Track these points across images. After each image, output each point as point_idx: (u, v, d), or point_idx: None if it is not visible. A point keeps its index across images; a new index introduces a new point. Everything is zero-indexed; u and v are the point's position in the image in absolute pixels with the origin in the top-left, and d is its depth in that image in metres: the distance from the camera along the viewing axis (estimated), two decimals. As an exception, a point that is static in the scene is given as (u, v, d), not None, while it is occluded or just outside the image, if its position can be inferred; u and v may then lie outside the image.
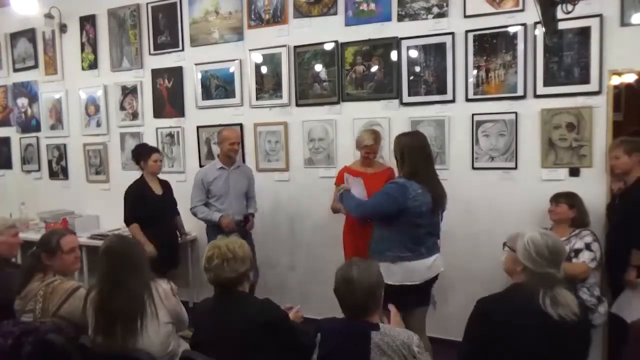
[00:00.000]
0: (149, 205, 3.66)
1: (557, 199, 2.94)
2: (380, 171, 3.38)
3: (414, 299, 2.66)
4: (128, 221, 3.66)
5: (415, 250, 2.61)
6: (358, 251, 3.08)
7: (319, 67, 3.83)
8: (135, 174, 4.77)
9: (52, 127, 5.14)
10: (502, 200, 3.34)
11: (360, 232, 3.25)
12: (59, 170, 5.13)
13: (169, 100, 4.48)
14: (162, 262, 3.43)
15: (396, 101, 3.61)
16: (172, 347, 2.06)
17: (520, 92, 3.26)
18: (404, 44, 3.55)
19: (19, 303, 2.22)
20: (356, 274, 1.78)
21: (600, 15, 3.03)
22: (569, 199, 2.91)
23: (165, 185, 3.89)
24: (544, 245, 1.72)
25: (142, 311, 1.96)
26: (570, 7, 2.08)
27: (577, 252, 2.78)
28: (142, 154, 3.77)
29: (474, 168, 3.43)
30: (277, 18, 3.97)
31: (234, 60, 4.14)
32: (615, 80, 3.22)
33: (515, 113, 3.28)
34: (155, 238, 3.58)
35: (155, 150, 3.86)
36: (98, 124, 4.85)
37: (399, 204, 2.54)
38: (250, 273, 2.04)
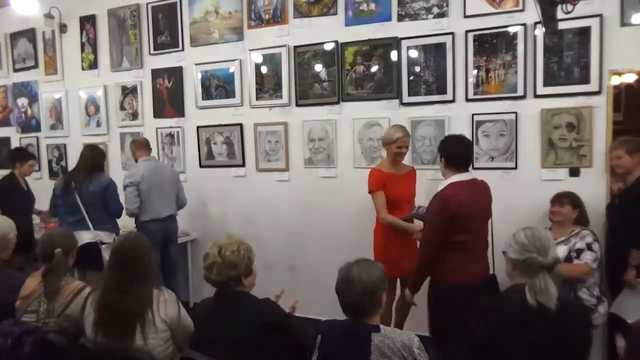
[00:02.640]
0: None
1: (560, 199, 2.92)
2: (408, 171, 3.31)
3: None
4: None
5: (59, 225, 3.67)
6: (397, 258, 3.07)
7: (319, 67, 3.83)
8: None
9: (52, 127, 5.14)
10: (502, 200, 3.32)
11: (399, 240, 3.13)
12: (59, 170, 5.12)
13: (169, 100, 4.48)
14: None
15: (396, 101, 3.61)
16: (172, 348, 2.06)
17: (520, 92, 3.25)
18: (404, 44, 3.55)
19: (20, 303, 2.22)
20: (356, 273, 1.77)
21: (600, 15, 3.02)
22: (572, 199, 2.90)
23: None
24: (524, 235, 1.76)
25: (143, 315, 1.95)
26: (570, 7, 2.09)
27: (579, 252, 2.77)
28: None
29: (474, 168, 3.41)
30: (277, 18, 3.97)
31: (234, 60, 4.14)
32: (615, 80, 3.23)
33: (515, 113, 3.28)
34: None
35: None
36: (98, 124, 4.85)
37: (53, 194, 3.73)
38: (246, 278, 2.00)
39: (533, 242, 1.73)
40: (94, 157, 3.75)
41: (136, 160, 3.94)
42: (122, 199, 3.81)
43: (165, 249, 3.91)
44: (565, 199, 2.91)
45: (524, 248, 1.74)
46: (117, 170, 4.79)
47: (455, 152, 2.57)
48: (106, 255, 3.46)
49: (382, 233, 3.22)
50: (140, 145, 3.95)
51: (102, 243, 3.55)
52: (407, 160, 3.58)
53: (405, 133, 3.16)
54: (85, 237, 3.50)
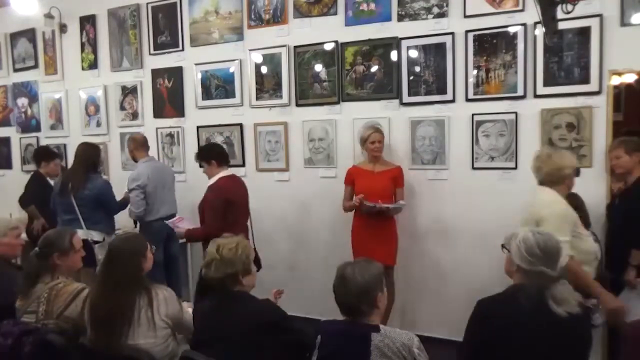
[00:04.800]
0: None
1: None
2: (387, 169, 3.40)
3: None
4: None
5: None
6: (367, 250, 3.19)
7: (319, 67, 3.83)
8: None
9: (52, 127, 5.14)
10: (502, 200, 3.34)
11: (372, 231, 3.35)
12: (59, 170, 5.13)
13: (169, 100, 4.48)
14: None
15: (396, 101, 3.61)
16: (172, 347, 2.06)
17: (520, 92, 3.25)
18: (404, 44, 3.54)
19: (21, 303, 2.22)
20: (350, 272, 1.76)
21: (600, 15, 3.02)
22: (572, 201, 2.89)
23: None
24: (535, 245, 1.73)
25: (129, 313, 1.95)
26: (570, 7, 2.09)
27: (578, 252, 2.77)
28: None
29: (474, 168, 3.43)
30: (277, 18, 3.97)
31: (234, 60, 4.14)
32: (615, 80, 3.23)
33: (515, 113, 3.28)
34: None
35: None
36: (98, 124, 4.85)
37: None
38: (244, 277, 2.01)
39: (545, 252, 1.71)
40: (87, 156, 3.77)
41: (135, 160, 3.96)
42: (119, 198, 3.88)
43: (167, 246, 3.94)
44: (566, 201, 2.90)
45: (535, 258, 1.71)
46: (117, 170, 4.80)
47: (221, 153, 3.36)
48: (99, 253, 3.53)
49: (353, 222, 3.48)
50: (138, 145, 3.96)
51: (95, 242, 3.60)
52: (407, 160, 3.59)
53: (375, 130, 3.37)
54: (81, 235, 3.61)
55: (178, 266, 4.13)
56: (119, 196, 3.89)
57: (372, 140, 3.33)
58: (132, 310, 1.96)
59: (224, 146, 4.23)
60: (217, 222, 3.05)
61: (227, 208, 3.11)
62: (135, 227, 4.02)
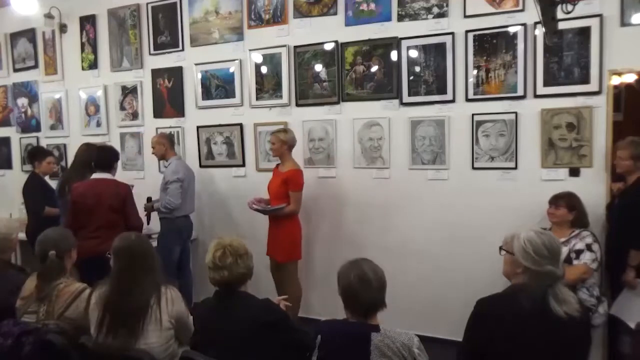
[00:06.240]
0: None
1: (556, 201, 2.92)
2: (284, 172, 3.56)
3: None
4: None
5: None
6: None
7: (319, 67, 3.83)
8: (134, 174, 4.75)
9: (52, 127, 5.14)
10: (502, 200, 3.34)
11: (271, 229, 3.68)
12: (59, 170, 5.12)
13: (169, 100, 4.48)
14: None
15: (396, 101, 3.61)
16: (173, 349, 2.06)
17: (520, 92, 3.25)
18: (404, 44, 3.55)
19: (21, 303, 2.21)
20: (370, 272, 1.80)
21: (600, 15, 3.03)
22: (568, 201, 2.89)
23: None
24: (542, 244, 1.71)
25: (146, 313, 1.96)
26: (570, 7, 2.09)
27: (578, 253, 2.77)
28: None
29: (474, 168, 3.43)
30: (277, 18, 3.97)
31: (234, 60, 4.14)
32: (615, 80, 3.23)
33: (515, 113, 3.28)
34: None
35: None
36: (98, 124, 4.85)
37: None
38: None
39: (551, 251, 1.71)
40: (85, 158, 3.79)
41: (162, 158, 4.01)
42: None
43: (185, 244, 4.04)
44: (561, 201, 2.89)
45: (543, 258, 1.70)
46: (117, 171, 4.78)
47: (96, 159, 3.47)
48: None
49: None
50: (172, 143, 4.09)
51: None
52: (406, 159, 3.59)
53: (274, 132, 3.61)
54: None
55: (190, 262, 4.20)
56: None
57: (270, 141, 3.60)
58: (147, 309, 1.97)
59: (224, 146, 4.27)
60: (67, 220, 3.33)
61: (75, 209, 3.28)
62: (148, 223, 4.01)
